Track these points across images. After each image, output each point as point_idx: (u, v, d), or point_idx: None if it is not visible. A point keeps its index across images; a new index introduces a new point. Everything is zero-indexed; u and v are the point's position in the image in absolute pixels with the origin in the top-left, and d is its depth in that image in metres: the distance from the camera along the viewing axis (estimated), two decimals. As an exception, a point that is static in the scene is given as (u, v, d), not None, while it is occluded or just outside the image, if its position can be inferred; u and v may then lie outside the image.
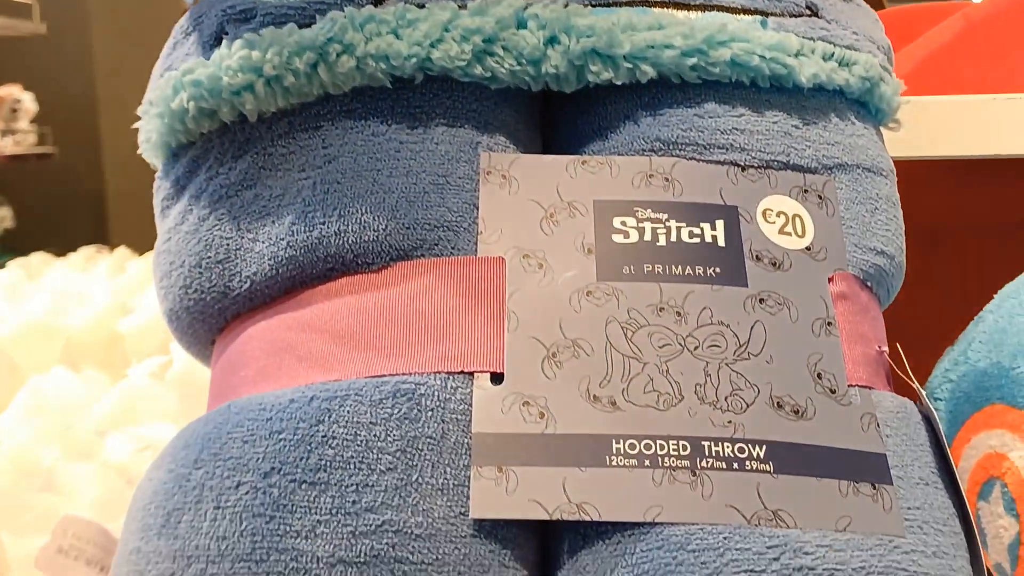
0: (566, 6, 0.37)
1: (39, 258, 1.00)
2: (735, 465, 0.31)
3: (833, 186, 0.38)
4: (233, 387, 0.36)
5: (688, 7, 0.39)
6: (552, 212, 0.36)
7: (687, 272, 0.35)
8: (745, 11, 0.40)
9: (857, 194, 0.39)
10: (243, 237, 0.37)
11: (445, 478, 0.31)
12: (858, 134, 0.40)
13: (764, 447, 0.32)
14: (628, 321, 0.34)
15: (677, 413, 0.32)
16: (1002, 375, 0.41)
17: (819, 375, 0.34)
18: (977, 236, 0.57)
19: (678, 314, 0.34)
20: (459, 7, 0.37)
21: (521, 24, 0.37)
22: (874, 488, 0.32)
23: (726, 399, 0.33)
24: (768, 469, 0.32)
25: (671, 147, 0.38)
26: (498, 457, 0.31)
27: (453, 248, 0.35)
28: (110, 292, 0.77)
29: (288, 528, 0.30)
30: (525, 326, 0.34)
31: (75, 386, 0.65)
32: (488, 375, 0.33)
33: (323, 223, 0.35)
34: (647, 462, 0.31)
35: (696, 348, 0.33)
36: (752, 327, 0.34)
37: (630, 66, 0.37)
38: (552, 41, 0.37)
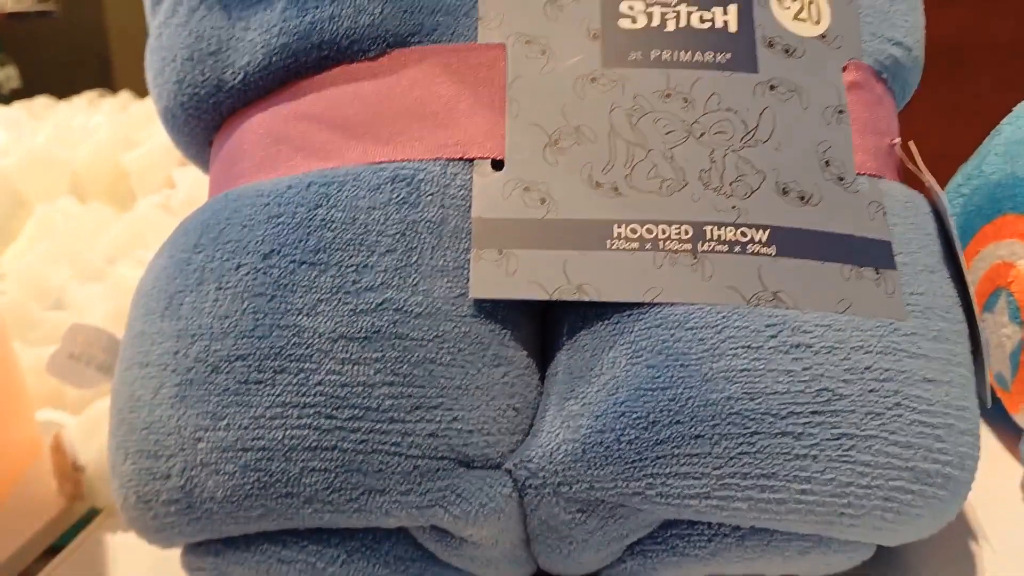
0: None
1: (42, 101, 0.98)
2: (737, 248, 0.31)
3: None
4: (231, 179, 0.36)
5: None
6: (555, -3, 0.35)
7: (696, 58, 0.34)
8: None
9: None
10: (235, 26, 0.35)
11: (445, 260, 0.31)
12: None
13: (767, 231, 0.31)
14: (633, 107, 0.33)
15: (680, 198, 0.32)
16: (1016, 185, 0.40)
17: (827, 162, 0.33)
18: (1001, 54, 0.55)
19: (685, 100, 0.33)
20: None
21: None
22: (877, 273, 0.31)
23: (731, 184, 0.32)
24: (770, 252, 0.31)
25: None
26: (498, 240, 0.31)
27: (452, 34, 0.34)
28: (114, 127, 0.76)
29: (289, 306, 0.30)
30: (527, 113, 0.33)
31: (83, 215, 0.65)
32: (488, 162, 0.32)
33: (316, 7, 0.34)
34: (648, 245, 0.31)
35: (702, 134, 0.33)
36: (761, 113, 0.33)
37: None
38: None
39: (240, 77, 0.35)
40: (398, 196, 0.31)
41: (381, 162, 0.32)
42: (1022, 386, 0.40)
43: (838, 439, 0.29)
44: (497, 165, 0.32)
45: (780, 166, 0.32)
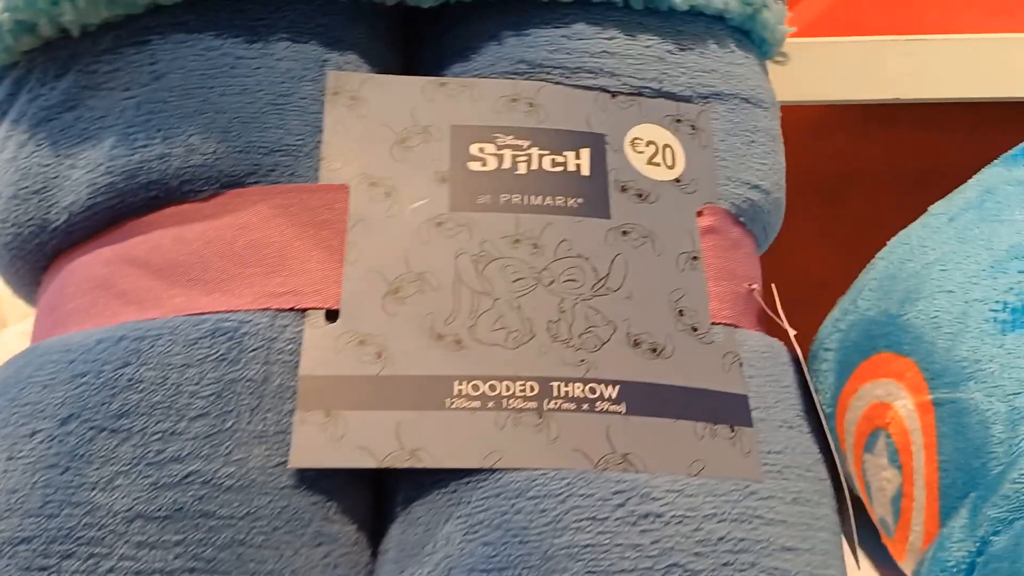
0: None
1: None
2: (585, 406, 0.29)
3: (708, 116, 0.36)
4: (49, 327, 0.32)
5: None
6: (405, 137, 0.33)
7: (547, 202, 0.33)
8: None
9: (734, 125, 0.36)
10: (61, 164, 0.33)
11: (265, 425, 0.28)
12: (738, 63, 0.38)
13: (617, 387, 0.30)
14: (480, 253, 0.31)
15: (527, 351, 0.30)
16: (889, 322, 0.39)
17: (681, 312, 0.32)
18: (876, 186, 0.55)
19: (535, 246, 0.32)
20: None
21: None
22: (732, 431, 0.30)
23: (580, 336, 0.30)
24: (620, 410, 0.29)
25: (537, 69, 0.35)
26: (326, 401, 0.29)
27: (292, 175, 0.32)
28: None
29: (84, 480, 0.26)
30: (367, 258, 0.31)
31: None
32: (322, 312, 0.30)
33: (145, 146, 0.32)
34: (490, 404, 0.29)
35: (552, 282, 0.31)
36: (613, 260, 0.32)
37: None
38: None
39: (64, 218, 0.33)
40: (217, 352, 0.28)
41: (204, 313, 0.30)
42: (905, 532, 0.38)
43: None
44: (331, 316, 0.30)
45: (631, 316, 0.31)
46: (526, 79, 0.35)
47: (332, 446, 0.28)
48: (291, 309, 0.30)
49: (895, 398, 0.37)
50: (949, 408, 0.33)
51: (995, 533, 0.30)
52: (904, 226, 0.40)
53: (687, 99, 0.36)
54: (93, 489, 0.26)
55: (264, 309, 0.30)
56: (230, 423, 0.28)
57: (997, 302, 0.33)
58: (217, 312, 0.30)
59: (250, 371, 0.28)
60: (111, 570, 0.25)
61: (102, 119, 0.33)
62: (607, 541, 0.27)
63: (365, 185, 0.32)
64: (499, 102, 0.34)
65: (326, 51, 0.34)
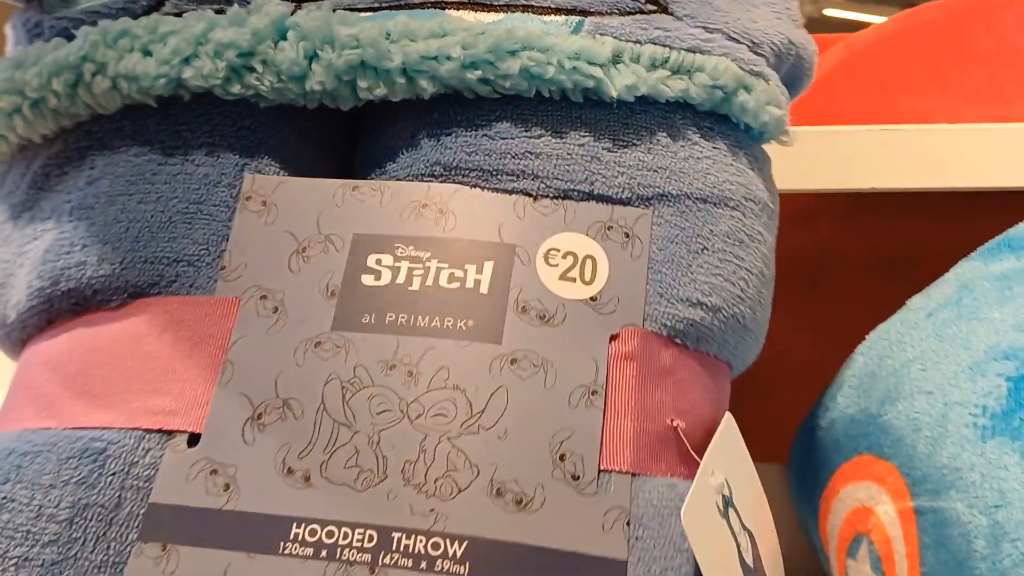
0: (335, 11, 0.33)
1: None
2: (423, 564, 0.27)
3: (648, 222, 0.32)
4: None
5: (490, 8, 0.34)
6: (305, 246, 0.32)
7: (434, 324, 0.30)
8: (560, 10, 0.34)
9: (681, 231, 0.32)
10: (15, 262, 0.35)
11: (107, 554, 0.28)
12: (698, 156, 0.33)
13: (464, 544, 0.27)
14: (351, 380, 0.29)
15: (374, 495, 0.28)
16: (869, 422, 0.36)
17: (562, 456, 0.28)
18: (857, 274, 0.51)
19: (410, 373, 0.29)
20: (217, 12, 0.33)
21: (281, 35, 0.33)
22: (597, 604, 0.26)
23: (436, 481, 0.28)
24: (461, 572, 0.26)
25: (453, 172, 0.33)
26: (166, 533, 0.28)
27: (192, 286, 0.32)
28: None
29: None
30: (239, 381, 0.30)
31: None
32: (187, 436, 0.29)
33: (68, 253, 0.33)
34: (324, 553, 0.27)
35: (419, 416, 0.29)
36: (493, 394, 0.29)
37: (404, 80, 0.32)
38: (313, 55, 0.32)
39: (13, 315, 0.34)
40: (80, 474, 0.29)
41: (88, 427, 0.30)
42: None
43: None
44: (195, 440, 0.29)
45: (501, 460, 0.28)
46: (441, 182, 0.33)
47: (160, 584, 0.27)
48: (159, 430, 0.30)
49: (877, 503, 0.35)
50: (931, 517, 0.31)
51: None
52: (884, 313, 0.39)
53: (624, 202, 0.32)
54: None
55: (136, 429, 0.30)
56: (75, 551, 0.28)
57: (976, 406, 0.32)
58: (96, 428, 0.30)
59: (104, 496, 0.28)
60: None
61: (46, 221, 0.34)
62: None
63: (256, 298, 0.31)
64: (408, 207, 0.32)
65: (246, 155, 0.34)
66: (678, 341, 0.31)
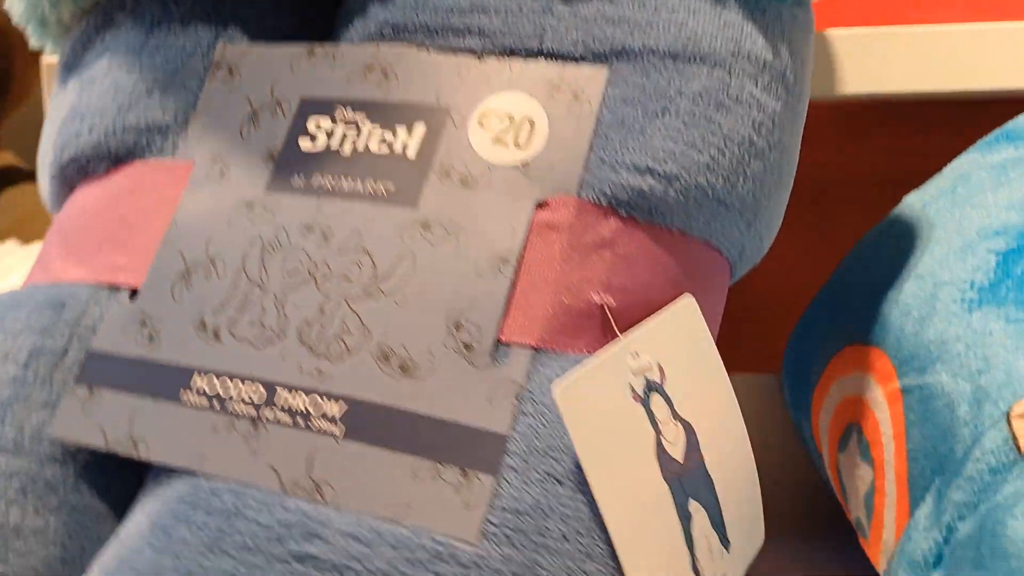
0: None
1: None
2: (300, 422, 0.26)
3: (601, 81, 0.29)
4: None
5: None
6: (257, 111, 0.32)
7: (356, 187, 0.29)
8: None
9: (639, 91, 0.29)
10: (49, 136, 0.38)
11: (50, 396, 0.30)
12: (673, 6, 0.29)
13: (344, 406, 0.26)
14: (272, 241, 0.29)
15: (270, 353, 0.27)
16: (858, 312, 0.35)
17: (458, 325, 0.26)
18: (861, 191, 0.47)
19: (324, 237, 0.29)
20: None
21: None
22: (463, 476, 0.24)
23: (328, 343, 0.27)
24: (335, 432, 0.26)
25: (401, 32, 0.31)
26: (96, 377, 0.29)
27: (159, 151, 0.33)
28: None
29: None
30: (178, 240, 0.31)
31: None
32: (129, 290, 0.31)
33: (71, 124, 0.35)
34: (216, 404, 0.27)
35: (324, 279, 0.28)
36: (399, 259, 0.28)
37: None
38: None
39: (48, 185, 0.37)
40: (41, 322, 0.31)
41: (64, 282, 0.32)
42: (878, 530, 0.33)
43: None
44: (135, 295, 0.31)
45: (394, 325, 0.27)
46: (390, 43, 0.31)
47: (82, 422, 0.29)
48: (111, 285, 0.31)
49: (865, 390, 0.34)
50: (916, 394, 0.31)
51: (961, 519, 0.27)
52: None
53: (577, 59, 0.29)
54: None
55: (96, 283, 0.31)
56: (26, 391, 0.30)
57: (965, 282, 0.31)
58: (68, 282, 0.32)
59: (56, 342, 0.30)
60: None
61: (68, 96, 0.37)
62: (249, 575, 0.24)
63: (208, 162, 0.32)
64: (355, 71, 0.31)
65: (221, 26, 0.34)
66: (622, 212, 0.28)
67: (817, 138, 0.42)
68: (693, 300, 0.28)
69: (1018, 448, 0.28)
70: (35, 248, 0.68)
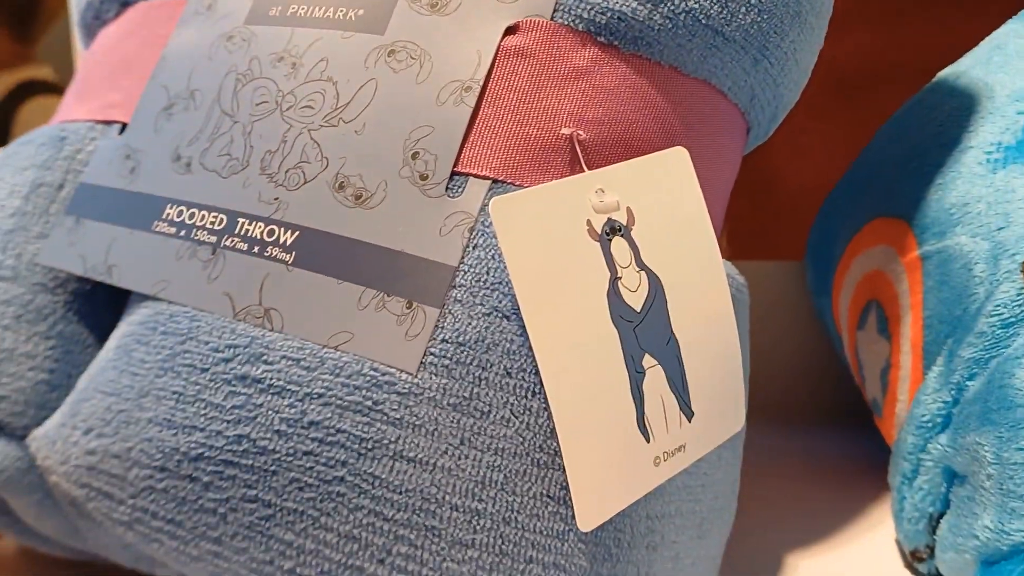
0: None
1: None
2: (255, 249, 0.26)
3: None
4: None
5: None
6: (246, -56, 0.31)
7: (327, 15, 0.28)
8: None
9: None
10: None
11: (45, 227, 0.30)
12: None
13: (296, 233, 0.25)
14: (245, 72, 0.28)
15: (233, 183, 0.27)
16: (883, 186, 0.33)
17: (415, 155, 0.25)
18: (906, 79, 0.41)
19: (293, 66, 0.28)
20: None
21: None
22: (408, 307, 0.24)
23: (287, 172, 0.26)
24: (286, 260, 0.25)
25: None
26: (82, 208, 0.30)
27: None
28: None
29: None
30: (164, 74, 0.30)
31: None
32: (119, 126, 0.31)
33: None
34: (182, 233, 0.27)
35: (289, 108, 0.27)
36: (361, 87, 0.26)
37: None
38: None
39: (79, 32, 0.37)
40: (41, 158, 0.31)
41: (69, 120, 0.33)
42: (892, 406, 0.32)
43: (252, 503, 0.23)
44: (124, 129, 0.31)
45: (351, 154, 0.26)
46: None
47: (66, 250, 0.29)
48: (106, 121, 0.31)
49: (886, 263, 0.32)
50: (935, 259, 0.29)
51: (971, 377, 0.26)
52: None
53: None
54: None
55: (93, 120, 0.32)
56: (25, 221, 0.31)
57: (991, 144, 0.29)
58: (72, 121, 0.32)
59: (53, 176, 0.31)
60: None
61: None
62: (193, 394, 0.24)
63: (197, -2, 0.31)
64: None
65: None
66: (602, 39, 0.26)
67: (851, 24, 0.38)
68: (684, 153, 0.26)
69: None
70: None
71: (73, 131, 0.32)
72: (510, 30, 0.26)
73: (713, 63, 0.27)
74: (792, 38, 0.28)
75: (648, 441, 0.24)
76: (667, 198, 0.26)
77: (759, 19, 0.27)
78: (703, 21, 0.26)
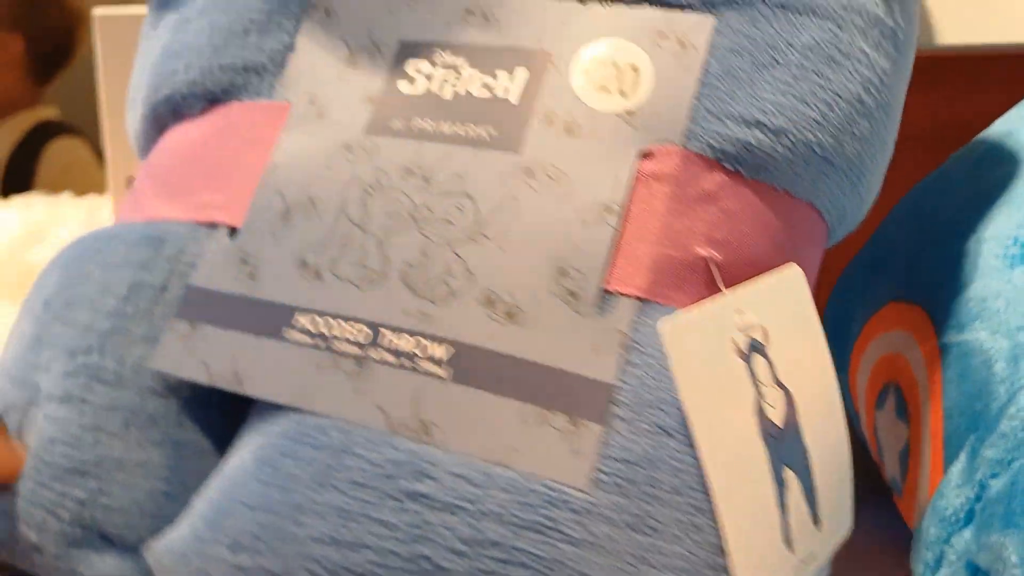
0: None
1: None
2: (407, 363, 0.26)
3: (707, 29, 0.28)
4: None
5: None
6: (355, 53, 0.32)
7: (457, 131, 0.29)
8: None
9: (748, 41, 0.28)
10: (141, 77, 0.38)
11: (151, 329, 0.30)
12: None
13: (450, 348, 0.26)
14: (372, 183, 0.29)
15: (373, 294, 0.28)
16: (900, 268, 0.35)
17: (562, 272, 0.26)
18: (915, 148, 0.45)
19: (425, 179, 0.29)
20: None
21: None
22: (572, 423, 0.25)
23: (431, 286, 0.27)
24: (442, 375, 0.26)
25: None
26: (197, 313, 0.30)
27: (256, 92, 0.33)
28: (21, 223, 0.65)
29: (36, 362, 0.31)
30: (277, 179, 0.31)
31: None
32: (228, 228, 0.31)
33: (166, 63, 0.35)
34: (320, 343, 0.28)
35: (426, 222, 0.28)
36: (502, 203, 0.28)
37: None
38: None
39: (139, 125, 0.37)
40: (139, 257, 0.31)
41: (159, 219, 0.33)
42: (912, 489, 0.33)
43: None
44: (235, 233, 0.31)
45: (498, 270, 0.27)
46: None
47: (184, 356, 0.29)
48: (208, 223, 0.31)
49: (904, 349, 0.34)
50: (955, 351, 0.30)
51: (993, 476, 0.27)
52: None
53: (684, 6, 0.29)
54: (36, 370, 0.31)
55: (191, 221, 0.32)
56: (126, 324, 0.30)
57: (1008, 237, 0.31)
58: (164, 220, 0.32)
59: (155, 278, 0.31)
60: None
61: (161, 38, 0.37)
62: (359, 510, 0.25)
63: (305, 103, 0.32)
64: (455, 14, 0.31)
65: None
66: (728, 166, 0.28)
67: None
68: (800, 271, 0.28)
69: None
70: (89, 200, 0.69)
71: (170, 231, 0.32)
72: (644, 155, 0.27)
73: (820, 188, 0.29)
74: (880, 163, 0.31)
75: (792, 552, 0.25)
76: (789, 315, 0.28)
77: (860, 149, 0.29)
78: (817, 152, 0.28)
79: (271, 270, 0.29)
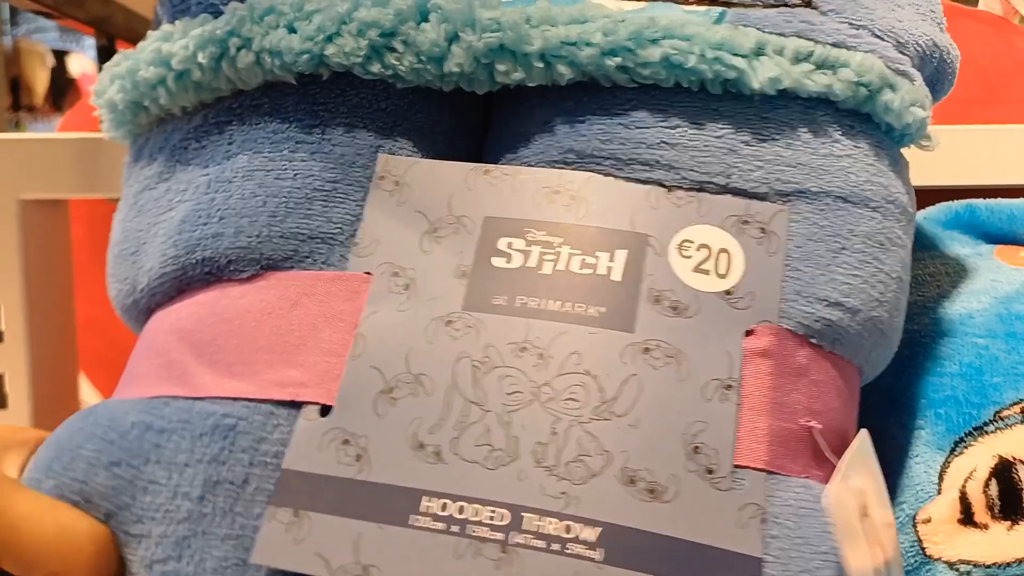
0: None
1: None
2: (555, 546, 0.26)
3: (785, 218, 0.31)
4: (121, 385, 0.35)
5: None
6: (437, 227, 0.32)
7: (565, 309, 0.30)
8: (703, 0, 0.33)
9: (819, 229, 0.32)
10: (148, 231, 0.36)
11: (231, 528, 0.28)
12: (839, 154, 0.33)
13: (599, 529, 0.27)
14: (482, 359, 0.29)
15: (505, 474, 0.28)
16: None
17: (696, 448, 0.28)
18: None
19: (541, 356, 0.29)
20: None
21: (423, 16, 0.33)
22: (731, 599, 0.26)
23: (567, 465, 0.27)
24: (595, 557, 0.26)
25: (586, 160, 0.32)
26: (298, 500, 0.28)
27: (324, 262, 0.32)
28: None
29: None
30: (370, 354, 0.30)
31: None
32: (318, 407, 0.30)
33: (205, 224, 0.34)
34: (455, 528, 0.27)
35: (550, 400, 0.28)
36: (624, 382, 0.29)
37: (543, 65, 0.32)
38: (454, 37, 0.32)
39: (145, 281, 0.35)
40: (211, 452, 0.29)
41: (218, 397, 0.31)
42: None
43: None
44: (327, 410, 0.30)
45: (633, 448, 0.28)
46: (574, 169, 0.33)
47: (292, 547, 0.27)
48: (291, 401, 0.30)
49: None
50: None
51: None
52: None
53: (761, 196, 0.32)
54: None
55: (266, 400, 0.30)
56: (202, 526, 0.28)
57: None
58: (226, 398, 0.30)
59: (233, 473, 0.29)
60: None
61: (183, 192, 0.35)
62: None
63: (387, 276, 0.32)
64: (539, 193, 0.32)
65: (381, 137, 0.34)
66: (814, 341, 0.31)
67: None
68: (867, 434, 0.31)
69: (923, 551, 0.32)
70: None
71: (241, 416, 0.30)
72: (747, 333, 0.30)
73: (873, 356, 0.33)
74: (903, 323, 0.35)
75: None
76: (870, 475, 0.30)
77: (901, 320, 0.33)
78: (879, 326, 0.32)
79: (382, 451, 0.28)
